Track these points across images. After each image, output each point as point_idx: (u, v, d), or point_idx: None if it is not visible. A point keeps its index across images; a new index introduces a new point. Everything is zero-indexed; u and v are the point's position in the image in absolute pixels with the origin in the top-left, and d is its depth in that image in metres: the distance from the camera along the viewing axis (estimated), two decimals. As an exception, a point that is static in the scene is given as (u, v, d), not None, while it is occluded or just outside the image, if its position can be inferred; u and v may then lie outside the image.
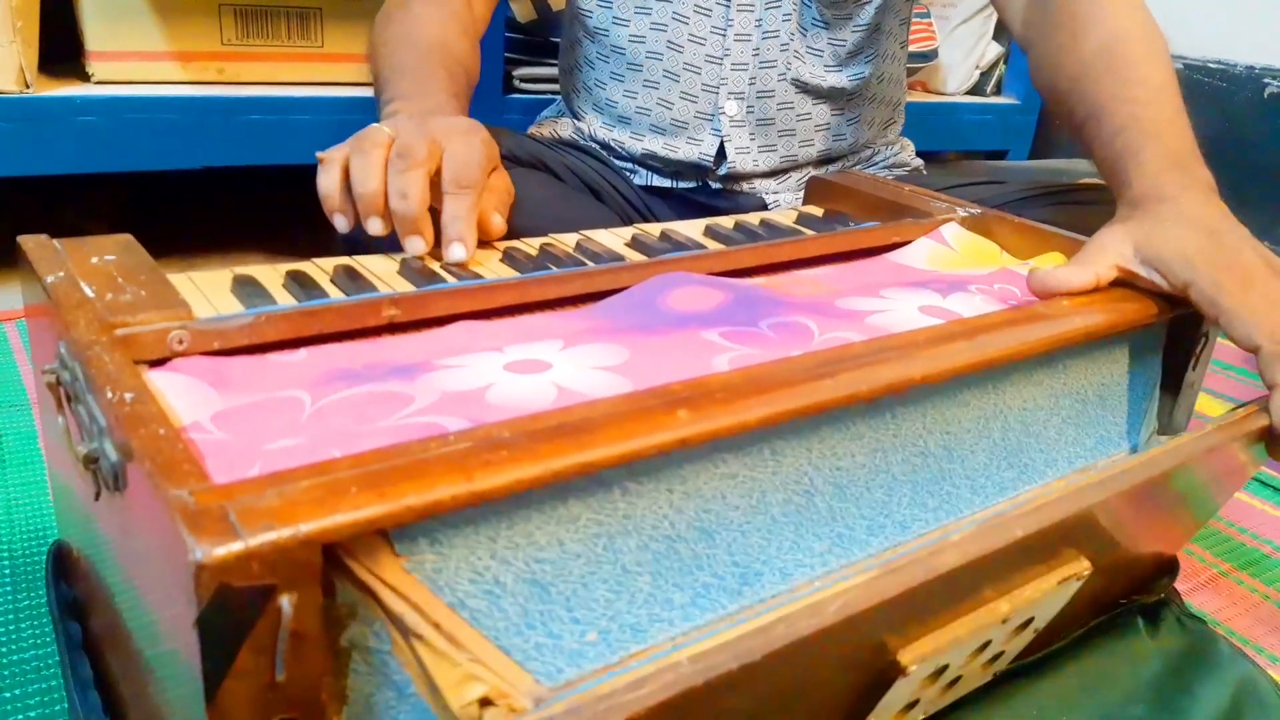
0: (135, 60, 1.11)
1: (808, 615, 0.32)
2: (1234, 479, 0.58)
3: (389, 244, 0.56)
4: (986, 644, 0.45)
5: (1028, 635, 0.48)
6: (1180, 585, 0.70)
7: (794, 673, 0.35)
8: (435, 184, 0.56)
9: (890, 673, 0.40)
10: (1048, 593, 0.45)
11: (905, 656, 0.39)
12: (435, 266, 0.54)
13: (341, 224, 0.56)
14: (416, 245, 0.54)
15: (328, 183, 0.56)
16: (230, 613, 0.28)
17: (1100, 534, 0.47)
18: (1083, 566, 0.46)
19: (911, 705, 0.45)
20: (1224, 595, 0.74)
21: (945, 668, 0.43)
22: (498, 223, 0.59)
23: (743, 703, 0.33)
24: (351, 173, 0.55)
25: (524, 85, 1.35)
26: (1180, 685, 0.59)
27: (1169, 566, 0.66)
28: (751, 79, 0.85)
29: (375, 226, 0.54)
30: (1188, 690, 0.58)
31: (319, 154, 0.57)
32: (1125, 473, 0.43)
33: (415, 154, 0.54)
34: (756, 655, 0.30)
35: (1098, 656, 0.60)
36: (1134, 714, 0.56)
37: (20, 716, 0.54)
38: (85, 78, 1.10)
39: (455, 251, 0.54)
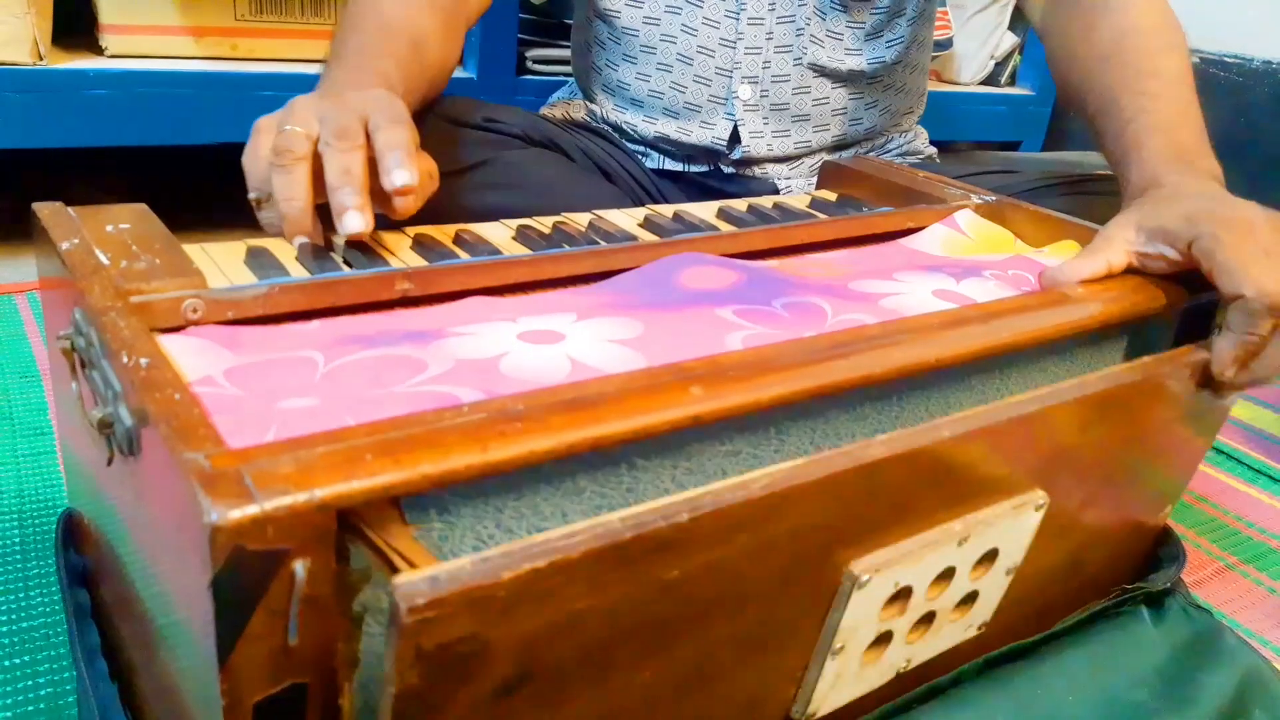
0: (148, 34, 1.11)
1: (734, 489, 0.33)
2: (1191, 429, 0.58)
3: (400, 220, 0.56)
4: (950, 572, 0.45)
5: (999, 576, 0.48)
6: (1187, 577, 0.70)
7: (734, 559, 0.35)
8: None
9: (843, 581, 0.40)
10: (1003, 518, 0.45)
11: (857, 566, 0.40)
12: (447, 242, 0.54)
13: (301, 243, 0.50)
14: (355, 221, 0.48)
15: (271, 222, 0.51)
16: (244, 576, 0.28)
17: (1044, 458, 0.47)
18: (1037, 495, 0.46)
19: (885, 639, 0.45)
20: (1230, 588, 0.74)
21: (909, 592, 0.43)
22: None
23: (688, 584, 0.34)
24: (275, 189, 0.49)
25: (537, 67, 1.35)
26: (1185, 673, 0.59)
27: (1170, 554, 0.66)
28: (766, 63, 0.85)
29: (304, 245, 0.50)
30: (1193, 678, 0.58)
31: (250, 196, 0.51)
32: (1056, 390, 0.44)
33: (353, 136, 0.49)
34: (683, 516, 0.31)
35: (1103, 642, 0.60)
36: (1138, 698, 0.56)
37: (29, 683, 0.54)
38: (98, 51, 1.10)
39: (398, 177, 0.48)
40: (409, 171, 0.49)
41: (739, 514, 0.33)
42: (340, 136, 0.49)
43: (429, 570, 0.27)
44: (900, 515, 0.41)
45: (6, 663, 0.55)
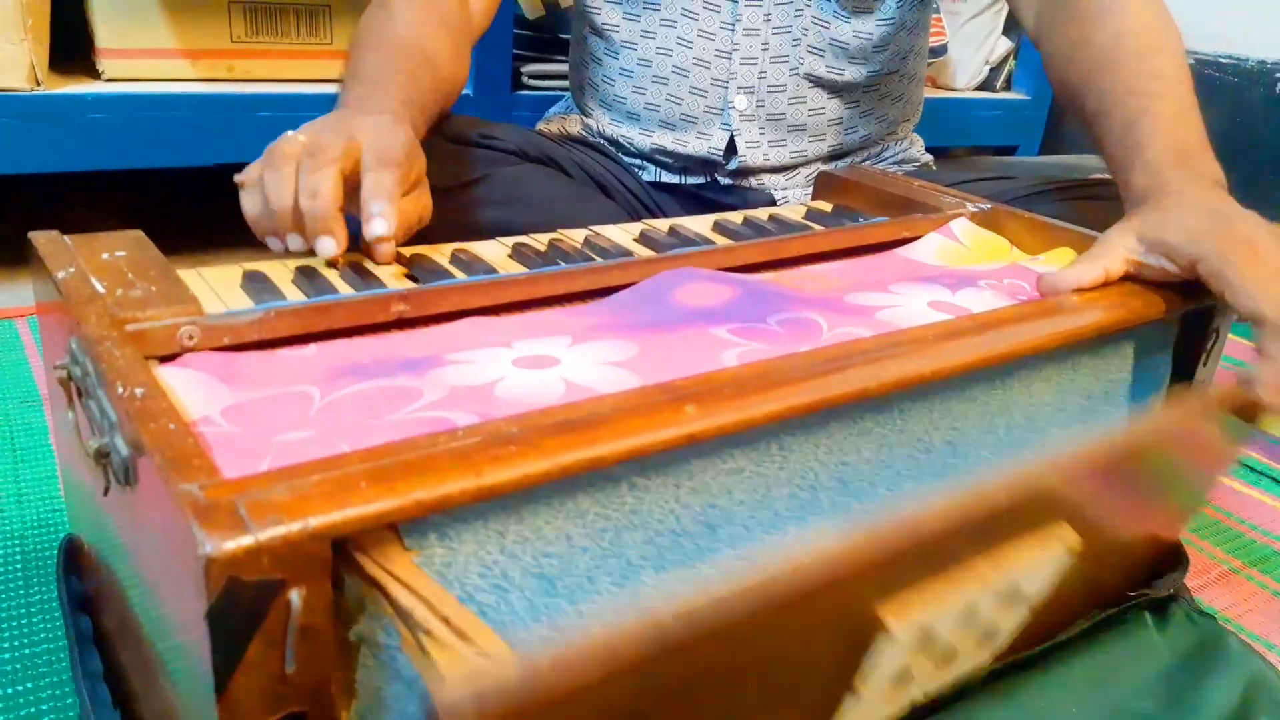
0: (145, 58, 1.11)
1: (790, 574, 0.31)
2: (1216, 457, 0.58)
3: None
4: (976, 613, 0.44)
5: (1022, 611, 0.48)
6: (1190, 582, 0.69)
7: (776, 629, 0.35)
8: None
9: (874, 631, 0.40)
10: (1034, 560, 0.45)
11: (888, 614, 0.39)
12: (444, 261, 0.54)
13: (275, 245, 0.51)
14: (327, 246, 0.49)
15: (251, 206, 0.51)
16: (240, 606, 0.28)
17: (1081, 500, 0.46)
18: (1069, 537, 0.46)
19: (905, 678, 0.45)
20: (1234, 592, 0.74)
21: (935, 635, 0.43)
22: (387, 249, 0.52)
23: (725, 657, 0.34)
24: (265, 192, 0.50)
25: (532, 82, 1.35)
26: (1190, 681, 0.58)
27: (1173, 559, 0.66)
28: (761, 73, 0.85)
29: (295, 243, 0.50)
30: (1197, 686, 0.58)
31: (236, 178, 0.52)
32: (1102, 435, 0.43)
33: (327, 151, 0.49)
34: (739, 611, 0.30)
35: (1106, 651, 0.60)
36: (1143, 709, 0.56)
37: (31, 710, 0.54)
38: (96, 75, 1.11)
39: (376, 226, 0.50)
40: (387, 221, 0.50)
41: (794, 597, 0.32)
42: (311, 154, 0.50)
43: (475, 687, 0.25)
44: (935, 566, 0.41)
45: (9, 689, 0.55)
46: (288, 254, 0.52)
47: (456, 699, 0.25)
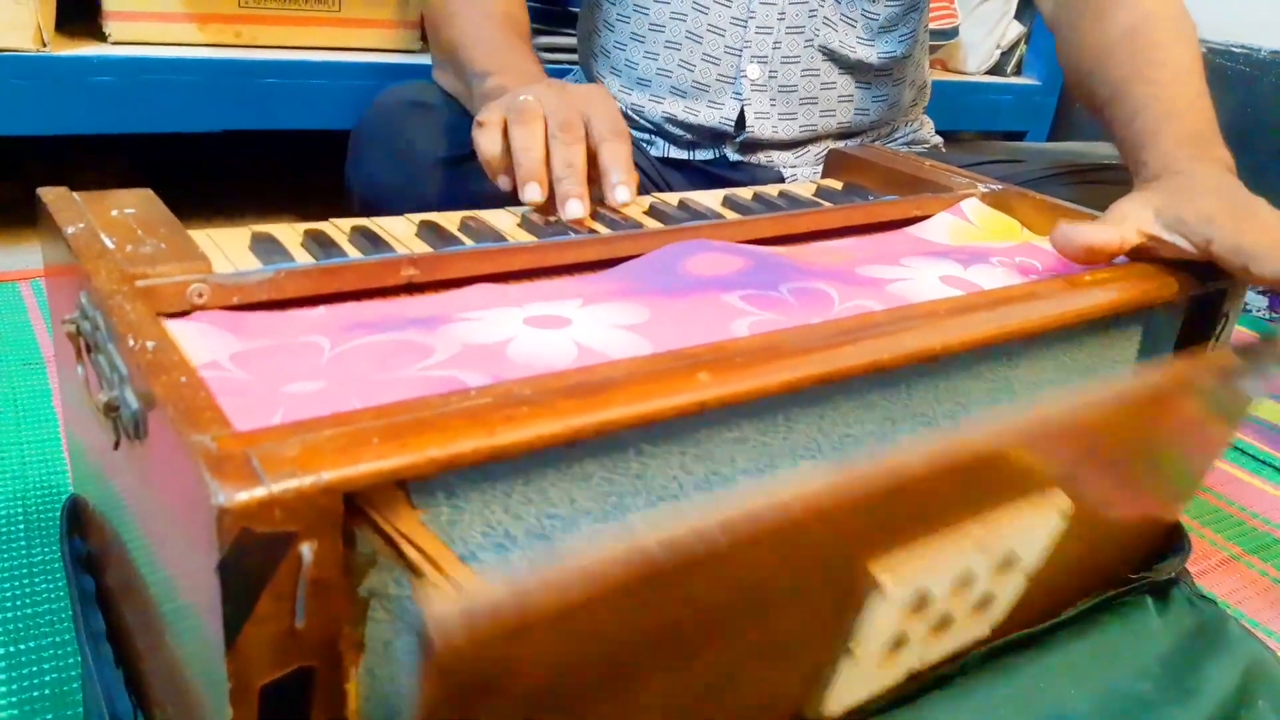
0: (153, 21, 1.11)
1: (773, 507, 0.32)
2: (1212, 430, 0.57)
3: (405, 207, 0.57)
4: (971, 578, 0.44)
5: (1018, 580, 0.48)
6: (1191, 568, 0.70)
7: (763, 567, 0.35)
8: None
9: (866, 587, 0.40)
10: (1027, 524, 0.44)
11: (879, 570, 0.39)
12: (453, 229, 0.54)
13: (505, 184, 0.60)
14: (577, 209, 0.56)
15: (490, 146, 0.59)
16: (251, 558, 0.28)
17: (1071, 462, 0.46)
18: (1062, 501, 0.45)
19: (901, 642, 0.45)
20: (1235, 578, 0.74)
21: (929, 597, 0.43)
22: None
23: (713, 593, 0.33)
24: (512, 140, 0.58)
25: (541, 54, 1.34)
26: (1189, 664, 0.59)
27: (1175, 541, 0.66)
28: (776, 43, 0.85)
29: (534, 192, 0.57)
30: (1197, 669, 0.58)
31: (478, 118, 0.61)
32: (1089, 391, 0.43)
33: (576, 130, 0.58)
34: (720, 539, 0.30)
35: (1106, 632, 0.60)
36: (1141, 690, 0.56)
37: (34, 669, 0.54)
38: (102, 38, 1.10)
39: (621, 194, 0.58)
40: (630, 189, 0.58)
41: (774, 531, 0.32)
42: (565, 129, 0.58)
43: (463, 602, 0.26)
44: (924, 520, 0.41)
45: (11, 648, 0.55)
46: (510, 194, 0.60)
47: (446, 615, 0.25)
